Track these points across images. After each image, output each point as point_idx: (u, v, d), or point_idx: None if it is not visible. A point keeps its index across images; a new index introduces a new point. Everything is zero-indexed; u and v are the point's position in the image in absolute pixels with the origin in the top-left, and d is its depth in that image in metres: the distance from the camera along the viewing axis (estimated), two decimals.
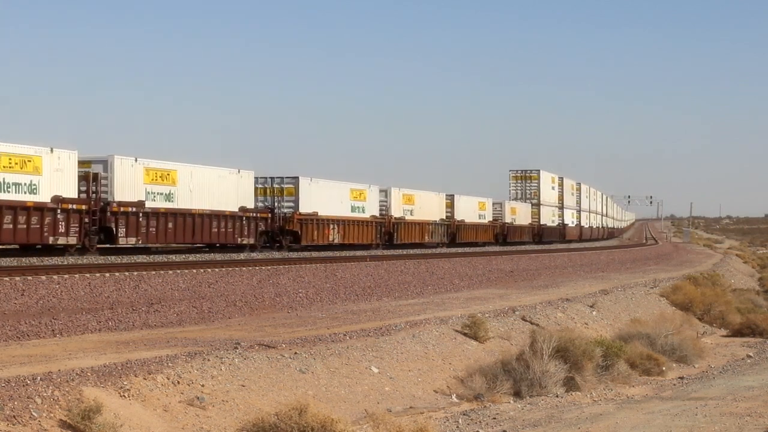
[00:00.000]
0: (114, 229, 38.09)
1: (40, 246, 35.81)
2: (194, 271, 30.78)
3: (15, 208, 33.86)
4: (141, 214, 39.48)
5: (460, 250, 63.99)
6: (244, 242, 45.93)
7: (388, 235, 60.07)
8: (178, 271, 30.07)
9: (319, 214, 51.42)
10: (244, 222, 46.19)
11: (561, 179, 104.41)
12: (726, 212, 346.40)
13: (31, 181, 34.93)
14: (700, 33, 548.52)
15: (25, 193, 34.64)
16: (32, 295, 23.80)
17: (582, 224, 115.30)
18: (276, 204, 49.62)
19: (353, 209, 56.30)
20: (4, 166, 34.11)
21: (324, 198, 52.64)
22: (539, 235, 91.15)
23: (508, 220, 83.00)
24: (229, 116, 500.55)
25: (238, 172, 46.95)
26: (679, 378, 24.09)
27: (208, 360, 17.28)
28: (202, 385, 16.33)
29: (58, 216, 35.53)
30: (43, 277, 25.58)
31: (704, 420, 15.85)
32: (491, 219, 79.04)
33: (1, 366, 15.61)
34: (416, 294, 34.99)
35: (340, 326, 23.34)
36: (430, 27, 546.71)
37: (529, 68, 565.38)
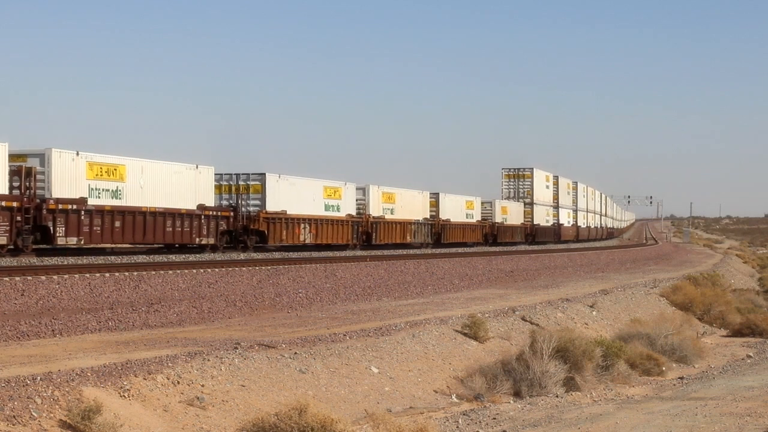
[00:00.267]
0: (51, 228, 35.20)
1: None
2: (194, 271, 30.77)
3: None
4: (83, 212, 36.45)
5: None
6: (203, 242, 43.18)
7: (366, 235, 57.37)
8: (178, 271, 30.06)
9: (288, 212, 48.82)
10: (202, 221, 43.22)
11: (556, 178, 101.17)
12: (726, 212, 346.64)
13: None
14: (700, 33, 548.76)
15: None
16: (32, 295, 23.80)
17: (579, 224, 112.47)
18: (241, 202, 46.87)
19: (327, 208, 53.43)
20: None
21: (294, 196, 49.93)
22: (532, 235, 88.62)
23: (498, 219, 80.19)
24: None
25: (196, 167, 43.82)
26: (679, 378, 24.10)
27: (208, 360, 17.28)
28: (202, 385, 16.34)
29: None
30: (43, 277, 25.57)
31: (704, 420, 15.86)
32: (480, 219, 76.38)
33: (1, 366, 15.61)
34: (416, 294, 35.00)
35: (340, 326, 23.34)
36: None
37: (529, 68, 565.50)
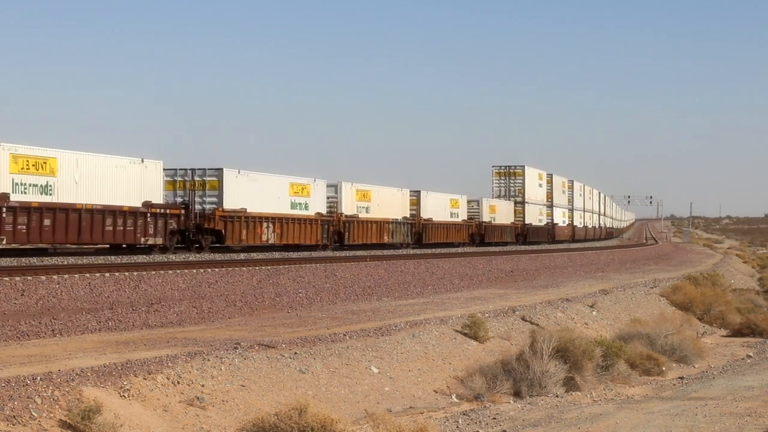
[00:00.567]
0: None
1: None
2: (194, 271, 30.78)
3: None
4: (5, 209, 33.37)
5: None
6: (150, 242, 40.11)
7: (338, 235, 54.53)
8: (178, 271, 30.07)
9: (248, 210, 45.98)
10: (149, 219, 39.98)
11: (550, 176, 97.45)
12: (726, 212, 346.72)
13: None
14: (700, 33, 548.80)
15: None
16: (32, 295, 23.81)
17: (575, 224, 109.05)
18: (197, 199, 44.24)
19: (294, 206, 50.40)
20: None
21: (256, 193, 46.97)
22: (523, 235, 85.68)
23: (486, 219, 76.92)
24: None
25: (142, 161, 40.41)
26: (679, 378, 24.10)
27: (208, 360, 17.28)
28: (202, 385, 16.34)
29: None
30: (43, 277, 25.58)
31: (704, 420, 15.86)
32: (466, 218, 73.32)
33: (1, 366, 15.61)
34: (416, 294, 35.01)
35: (340, 326, 23.34)
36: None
37: (528, 68, 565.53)
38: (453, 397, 20.46)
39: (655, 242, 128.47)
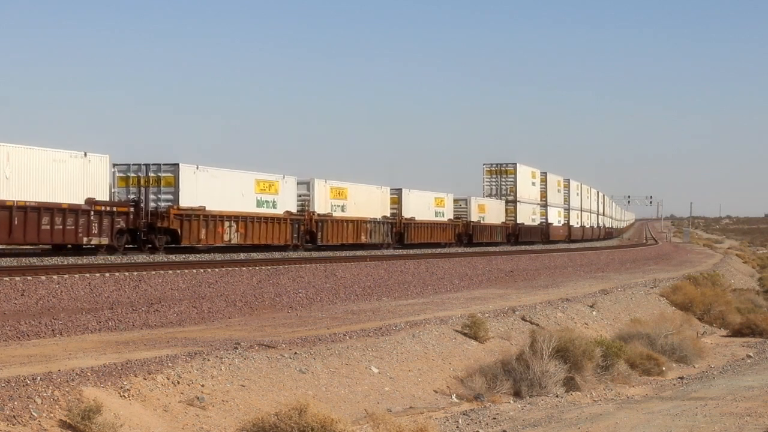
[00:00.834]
0: None
1: None
2: (194, 271, 30.78)
3: None
4: None
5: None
6: (94, 242, 37.10)
7: (309, 234, 51.68)
8: (178, 271, 30.07)
9: (207, 208, 43.12)
10: (92, 217, 36.83)
11: (544, 174, 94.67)
12: (726, 212, 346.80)
13: None
14: (700, 33, 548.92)
15: None
16: (32, 295, 23.81)
17: (571, 223, 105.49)
18: (152, 196, 41.50)
19: (260, 204, 47.49)
20: None
21: (216, 190, 44.13)
22: (515, 235, 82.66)
23: (474, 218, 73.80)
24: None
25: (85, 155, 37.36)
26: (679, 378, 24.10)
27: (208, 360, 17.29)
28: (202, 385, 16.34)
29: None
30: (43, 277, 25.58)
31: (704, 420, 15.86)
32: (452, 217, 70.41)
33: (1, 366, 15.62)
34: (416, 294, 35.01)
35: (340, 326, 23.35)
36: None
37: (528, 68, 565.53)
38: (453, 397, 20.46)
39: (655, 242, 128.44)
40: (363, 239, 56.55)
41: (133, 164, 42.35)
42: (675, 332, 28.94)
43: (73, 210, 36.19)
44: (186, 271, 30.46)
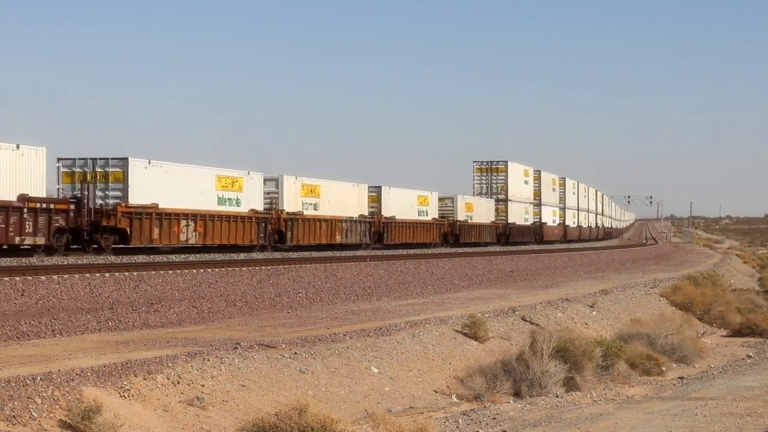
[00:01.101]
0: None
1: None
2: (194, 271, 30.79)
3: None
4: None
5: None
6: (28, 242, 34.16)
7: (278, 234, 48.72)
8: (178, 271, 30.08)
9: (161, 206, 40.24)
10: (25, 215, 33.84)
11: (538, 172, 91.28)
12: (726, 212, 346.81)
13: None
14: (700, 33, 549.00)
15: None
16: (32, 295, 23.81)
17: (567, 223, 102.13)
18: (99, 193, 38.61)
19: (222, 201, 44.64)
20: None
21: (171, 186, 41.34)
22: (506, 235, 79.49)
23: (461, 217, 70.55)
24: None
25: (17, 147, 34.35)
26: (679, 378, 24.11)
27: (208, 360, 17.29)
28: (202, 385, 16.35)
29: None
30: (43, 277, 25.59)
31: (704, 420, 15.86)
32: (437, 216, 67.31)
33: (1, 366, 15.62)
34: (416, 294, 35.02)
35: (340, 326, 23.35)
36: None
37: (529, 68, 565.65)
38: (453, 397, 20.47)
39: (655, 242, 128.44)
40: (338, 239, 53.77)
41: (79, 159, 39.33)
42: (675, 332, 28.95)
43: (3, 207, 33.18)
44: (186, 271, 30.47)
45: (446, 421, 17.74)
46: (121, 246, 39.28)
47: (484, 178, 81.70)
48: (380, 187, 60.42)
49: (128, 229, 38.73)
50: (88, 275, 26.89)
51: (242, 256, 41.42)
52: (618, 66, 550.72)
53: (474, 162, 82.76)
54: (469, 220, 72.49)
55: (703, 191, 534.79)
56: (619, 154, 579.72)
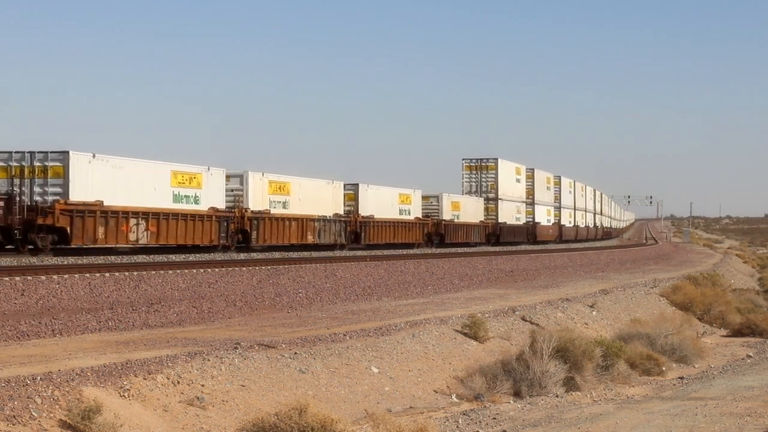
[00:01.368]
0: None
1: None
2: (194, 271, 30.79)
3: None
4: None
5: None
6: None
7: (242, 234, 46.12)
8: (178, 271, 30.08)
9: (106, 203, 37.31)
10: None
11: (531, 170, 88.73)
12: (726, 212, 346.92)
13: None
14: (700, 33, 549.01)
15: None
16: (32, 295, 23.81)
17: (563, 223, 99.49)
18: (37, 189, 35.96)
19: (178, 199, 41.75)
20: None
21: (119, 182, 38.40)
22: (495, 234, 76.61)
23: (447, 217, 67.91)
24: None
25: None
26: (679, 378, 24.10)
27: (208, 360, 17.29)
28: (202, 385, 16.34)
29: None
30: (43, 277, 25.58)
31: (704, 420, 15.86)
32: (421, 215, 64.56)
33: (1, 366, 15.62)
34: (416, 294, 35.02)
35: (340, 326, 23.35)
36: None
37: (529, 68, 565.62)
38: (453, 397, 20.46)
39: (655, 242, 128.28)
40: (310, 239, 51.13)
41: (16, 152, 36.59)
42: (675, 332, 28.95)
43: None
44: (186, 271, 30.47)
45: (446, 421, 17.73)
46: (62, 247, 36.41)
47: (473, 176, 78.87)
48: (357, 184, 57.78)
49: (68, 228, 35.96)
50: (88, 275, 26.89)
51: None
52: (618, 66, 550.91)
53: (463, 160, 79.95)
54: (456, 220, 69.84)
55: (703, 191, 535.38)
56: (619, 154, 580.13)
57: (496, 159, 79.29)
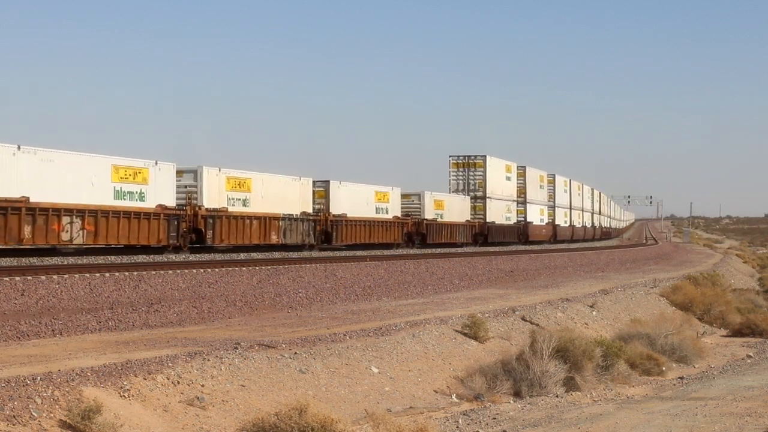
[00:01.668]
0: None
1: None
2: (194, 271, 30.80)
3: None
4: None
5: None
6: None
7: (195, 233, 42.84)
8: (178, 271, 30.08)
9: (33, 199, 33.91)
10: None
11: (523, 168, 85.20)
12: (726, 212, 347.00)
13: None
14: (700, 33, 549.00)
15: None
16: (32, 295, 23.81)
17: (557, 222, 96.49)
18: None
19: (120, 195, 38.39)
20: None
21: (50, 177, 35.03)
22: (483, 235, 73.16)
23: (429, 216, 64.52)
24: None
25: None
26: (679, 378, 24.10)
27: (208, 360, 17.29)
28: (202, 385, 16.34)
29: None
30: (43, 277, 25.59)
31: (704, 420, 15.86)
32: (400, 214, 61.28)
33: (1, 366, 15.62)
34: (416, 294, 35.02)
35: (340, 326, 23.35)
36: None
37: (529, 68, 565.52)
38: (453, 397, 20.46)
39: (655, 242, 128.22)
40: (274, 239, 47.92)
41: None
42: (675, 332, 28.95)
43: None
44: (186, 271, 30.48)
45: (446, 421, 17.73)
46: None
47: (460, 173, 74.86)
48: (328, 181, 54.33)
49: None
50: (88, 275, 26.90)
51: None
52: (618, 66, 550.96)
53: (450, 156, 75.79)
54: (439, 219, 66.42)
55: (703, 191, 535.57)
56: (619, 154, 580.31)
57: (485, 156, 75.32)
